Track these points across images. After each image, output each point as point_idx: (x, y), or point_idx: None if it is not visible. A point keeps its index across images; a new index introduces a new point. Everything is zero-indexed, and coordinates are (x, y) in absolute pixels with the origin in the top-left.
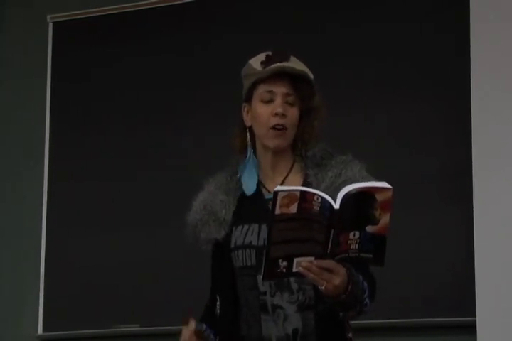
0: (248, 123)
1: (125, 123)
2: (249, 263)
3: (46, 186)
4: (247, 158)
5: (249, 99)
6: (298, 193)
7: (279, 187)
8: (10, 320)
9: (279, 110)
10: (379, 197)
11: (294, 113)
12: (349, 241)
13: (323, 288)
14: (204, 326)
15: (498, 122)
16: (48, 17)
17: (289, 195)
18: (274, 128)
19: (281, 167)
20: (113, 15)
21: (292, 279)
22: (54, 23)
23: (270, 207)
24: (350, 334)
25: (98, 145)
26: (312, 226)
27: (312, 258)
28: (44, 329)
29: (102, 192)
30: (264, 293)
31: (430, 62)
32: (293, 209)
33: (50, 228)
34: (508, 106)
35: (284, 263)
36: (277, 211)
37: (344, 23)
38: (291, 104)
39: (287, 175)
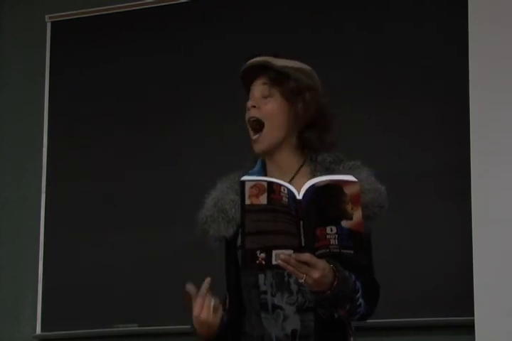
0: None
1: (123, 122)
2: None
3: (44, 186)
4: (258, 161)
5: None
6: (265, 184)
7: (245, 177)
8: (8, 319)
9: (249, 103)
10: (347, 190)
11: (270, 104)
12: (328, 236)
13: (302, 281)
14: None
15: (496, 121)
16: (47, 17)
17: (257, 184)
18: (249, 122)
19: (287, 169)
20: (111, 14)
21: (292, 280)
22: (52, 23)
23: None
24: (351, 339)
25: (96, 145)
26: (285, 218)
27: (291, 252)
28: (42, 329)
29: (100, 193)
30: (265, 292)
31: (429, 62)
32: (263, 200)
33: (48, 228)
34: (506, 105)
35: (262, 254)
36: (247, 201)
37: (342, 24)
38: (267, 96)
39: (293, 177)
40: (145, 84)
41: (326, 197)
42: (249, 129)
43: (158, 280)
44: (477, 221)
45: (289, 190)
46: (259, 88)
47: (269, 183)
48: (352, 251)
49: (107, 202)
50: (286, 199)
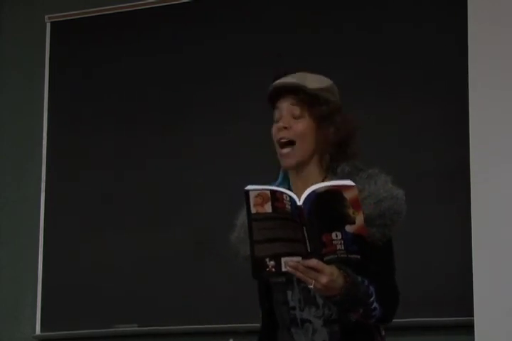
0: None
1: (124, 122)
2: (279, 280)
3: (44, 186)
4: (280, 174)
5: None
6: (268, 192)
7: (249, 187)
8: (8, 319)
9: (280, 124)
10: (347, 195)
11: (301, 125)
12: (334, 242)
13: (311, 286)
14: None
15: (496, 121)
16: (46, 17)
17: (261, 193)
18: (279, 142)
19: (311, 182)
20: (112, 14)
21: (318, 295)
22: (52, 23)
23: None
24: None
25: (96, 145)
26: (289, 225)
27: (299, 258)
28: (42, 329)
29: (100, 193)
30: (294, 308)
31: (429, 62)
32: (268, 208)
33: (48, 228)
34: (506, 105)
35: (272, 262)
36: (253, 210)
37: (341, 24)
38: (298, 117)
39: None
40: (146, 84)
41: (327, 203)
42: (277, 146)
43: (158, 280)
44: (477, 221)
45: (290, 197)
46: (289, 108)
47: (272, 192)
48: (358, 256)
49: (107, 202)
50: (289, 207)
